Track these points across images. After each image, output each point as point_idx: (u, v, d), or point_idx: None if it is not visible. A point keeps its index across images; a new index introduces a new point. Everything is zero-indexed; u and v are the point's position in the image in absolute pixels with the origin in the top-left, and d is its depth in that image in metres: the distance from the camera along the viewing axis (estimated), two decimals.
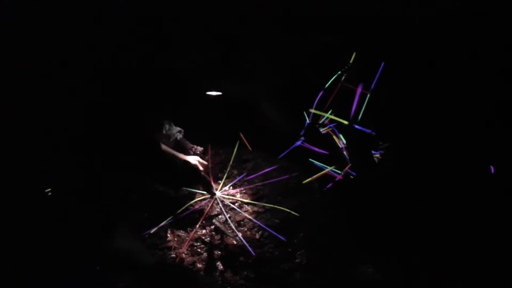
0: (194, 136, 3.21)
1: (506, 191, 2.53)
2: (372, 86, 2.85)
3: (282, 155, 3.12)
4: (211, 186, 2.81)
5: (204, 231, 2.64)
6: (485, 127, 2.62)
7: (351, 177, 2.88)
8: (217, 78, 3.15)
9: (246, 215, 2.69)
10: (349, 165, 2.89)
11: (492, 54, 2.62)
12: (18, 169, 2.70)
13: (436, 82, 2.65)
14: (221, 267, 2.49)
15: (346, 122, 2.93)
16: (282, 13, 2.91)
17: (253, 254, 2.47)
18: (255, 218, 2.67)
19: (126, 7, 2.59)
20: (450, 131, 2.64)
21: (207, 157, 3.08)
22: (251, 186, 2.90)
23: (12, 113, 2.61)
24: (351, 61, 3.08)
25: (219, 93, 3.19)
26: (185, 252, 2.55)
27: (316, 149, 3.13)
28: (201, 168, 2.83)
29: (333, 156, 3.06)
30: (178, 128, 3.10)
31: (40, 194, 2.67)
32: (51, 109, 2.55)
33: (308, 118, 3.22)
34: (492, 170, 2.68)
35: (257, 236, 2.57)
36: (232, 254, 2.50)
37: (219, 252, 2.53)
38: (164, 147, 2.77)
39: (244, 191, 2.88)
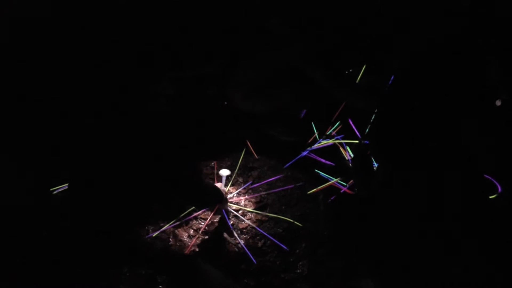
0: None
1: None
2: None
3: (288, 164, 3.12)
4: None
5: (206, 237, 2.63)
6: (486, 133, 2.61)
7: (355, 189, 2.86)
8: (224, 85, 3.18)
9: (249, 223, 2.68)
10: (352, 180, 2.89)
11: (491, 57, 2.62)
12: (26, 166, 2.74)
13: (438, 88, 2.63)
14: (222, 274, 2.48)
15: (356, 141, 2.93)
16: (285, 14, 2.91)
17: (255, 262, 2.46)
18: (258, 226, 2.66)
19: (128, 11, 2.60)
20: (451, 136, 2.62)
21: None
22: (255, 194, 2.89)
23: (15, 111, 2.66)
24: (360, 74, 3.09)
25: (225, 102, 3.22)
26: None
27: (322, 160, 3.12)
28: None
29: (339, 168, 3.05)
30: None
31: (46, 193, 2.70)
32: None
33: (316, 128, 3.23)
34: (500, 189, 2.67)
35: (259, 245, 2.56)
36: (233, 262, 2.49)
37: (221, 259, 2.52)
38: None
39: (248, 199, 2.88)
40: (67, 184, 2.62)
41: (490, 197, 2.66)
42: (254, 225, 2.66)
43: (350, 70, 3.00)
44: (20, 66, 2.54)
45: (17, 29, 2.55)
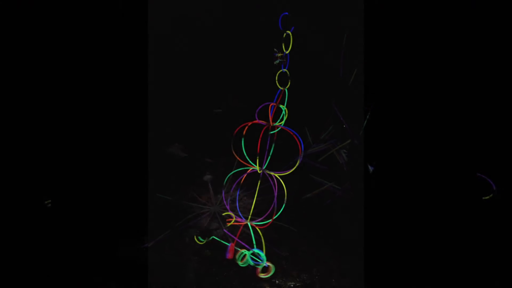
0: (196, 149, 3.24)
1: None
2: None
3: (282, 169, 3.11)
4: None
5: (201, 244, 2.63)
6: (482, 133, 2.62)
7: (351, 193, 2.86)
8: (221, 94, 3.22)
9: (244, 229, 2.67)
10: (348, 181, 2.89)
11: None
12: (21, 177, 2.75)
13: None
14: (217, 280, 2.47)
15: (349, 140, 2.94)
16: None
17: (251, 267, 2.45)
18: (253, 232, 2.65)
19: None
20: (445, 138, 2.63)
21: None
22: (250, 200, 2.89)
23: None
24: (351, 78, 3.10)
25: (220, 110, 3.25)
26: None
27: (317, 164, 3.12)
28: None
29: (333, 172, 3.05)
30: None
31: (41, 205, 2.71)
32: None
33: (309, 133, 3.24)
34: (494, 186, 2.67)
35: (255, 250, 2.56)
36: (228, 267, 2.49)
37: (216, 265, 2.51)
38: None
39: (243, 205, 2.87)
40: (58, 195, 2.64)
41: (484, 198, 2.66)
42: (249, 231, 2.66)
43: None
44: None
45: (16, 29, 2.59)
